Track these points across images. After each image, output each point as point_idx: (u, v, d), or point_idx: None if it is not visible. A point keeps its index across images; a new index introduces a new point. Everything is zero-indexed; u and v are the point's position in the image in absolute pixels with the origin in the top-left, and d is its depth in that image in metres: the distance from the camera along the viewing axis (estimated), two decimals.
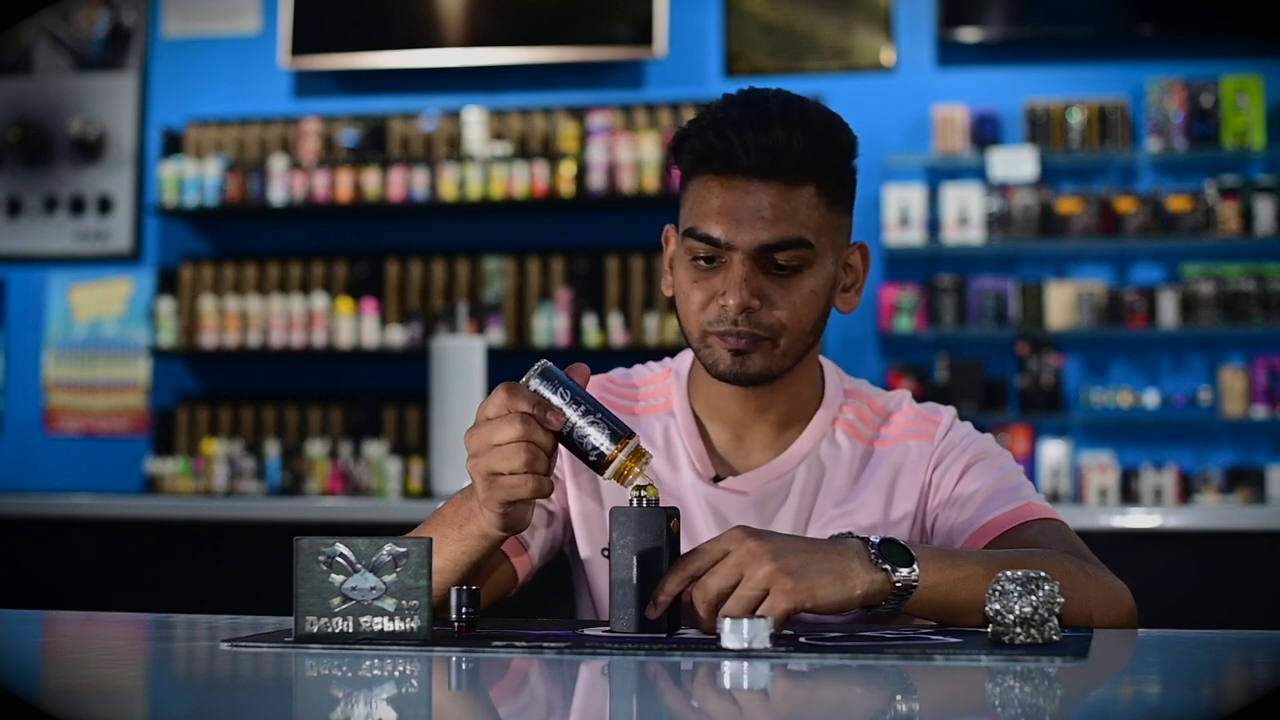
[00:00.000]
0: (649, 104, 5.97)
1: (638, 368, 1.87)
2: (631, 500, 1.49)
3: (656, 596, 1.45)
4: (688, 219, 1.70)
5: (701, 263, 1.68)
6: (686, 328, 1.72)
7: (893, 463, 1.76)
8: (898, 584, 1.46)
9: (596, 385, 1.81)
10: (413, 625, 1.42)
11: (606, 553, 1.48)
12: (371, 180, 5.95)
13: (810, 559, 1.44)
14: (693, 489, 1.75)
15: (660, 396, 1.83)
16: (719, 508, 1.74)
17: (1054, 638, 1.37)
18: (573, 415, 1.48)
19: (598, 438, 1.48)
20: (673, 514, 1.49)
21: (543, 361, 1.52)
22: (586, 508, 1.78)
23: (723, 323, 1.66)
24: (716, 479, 1.76)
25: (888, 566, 1.46)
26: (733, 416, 1.77)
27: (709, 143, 1.65)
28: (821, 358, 1.83)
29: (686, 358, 1.83)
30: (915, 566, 1.47)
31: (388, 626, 1.41)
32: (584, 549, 1.78)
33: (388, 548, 1.42)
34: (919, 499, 1.75)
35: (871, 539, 1.48)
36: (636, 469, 1.48)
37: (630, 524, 1.48)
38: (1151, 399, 5.64)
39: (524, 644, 1.40)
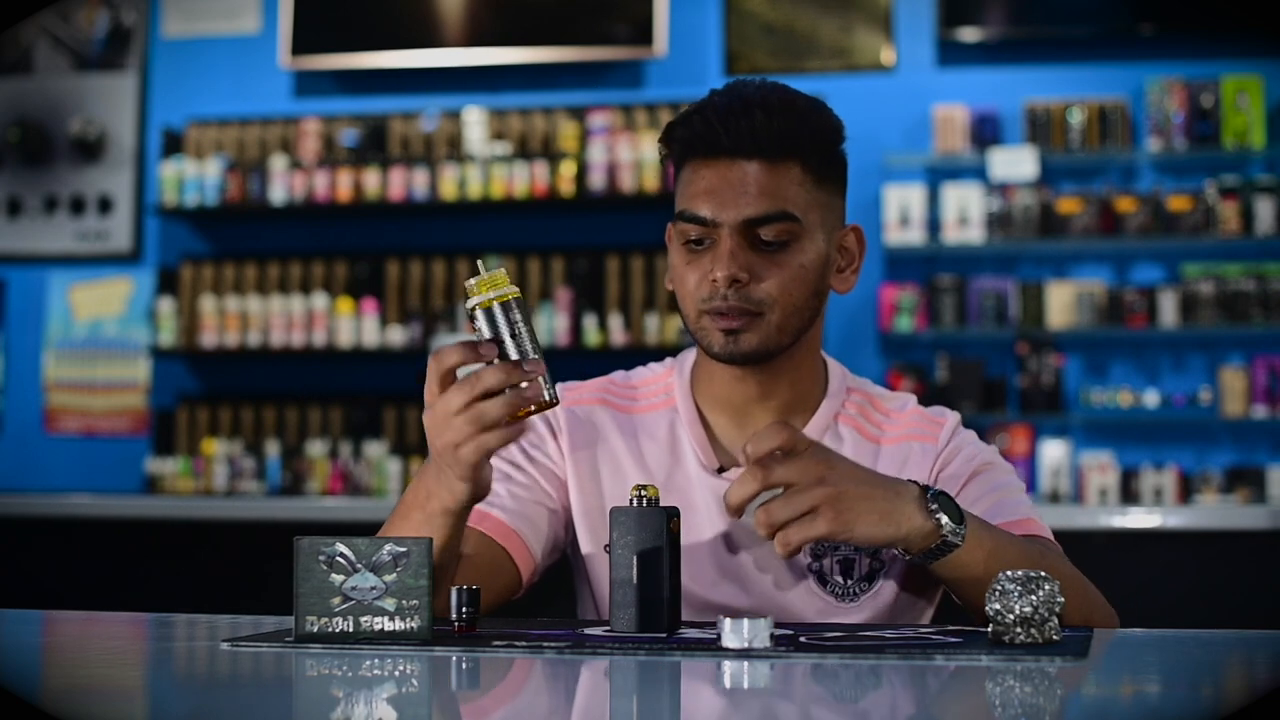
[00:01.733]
0: (649, 104, 5.97)
1: (638, 369, 1.89)
2: (632, 500, 1.49)
3: (731, 502, 1.49)
4: (678, 204, 1.75)
5: (693, 245, 1.72)
6: (684, 311, 1.75)
7: (896, 462, 1.77)
8: (945, 534, 1.50)
9: (598, 387, 1.85)
10: (413, 625, 1.42)
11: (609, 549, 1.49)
12: (371, 180, 5.95)
13: (866, 493, 1.48)
14: (697, 480, 1.77)
15: (662, 394, 1.85)
16: (725, 500, 1.75)
17: (1054, 638, 1.37)
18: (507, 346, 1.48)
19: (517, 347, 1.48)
20: (673, 513, 1.50)
21: (487, 298, 1.49)
22: (588, 504, 1.79)
23: (714, 299, 1.69)
24: (721, 470, 1.77)
25: (941, 517, 1.49)
26: (735, 404, 1.79)
27: (694, 129, 1.71)
28: (826, 355, 1.84)
29: (690, 354, 1.85)
30: (962, 528, 1.52)
31: (388, 626, 1.41)
32: (586, 545, 1.79)
33: (388, 547, 1.42)
34: None
35: (929, 487, 1.52)
36: (490, 292, 1.48)
37: (630, 523, 1.48)
38: (1151, 399, 5.64)
39: (524, 644, 1.40)
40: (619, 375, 1.89)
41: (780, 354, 1.73)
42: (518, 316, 1.47)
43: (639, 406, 1.84)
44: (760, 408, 1.78)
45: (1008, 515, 1.70)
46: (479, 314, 1.47)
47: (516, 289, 1.48)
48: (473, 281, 1.48)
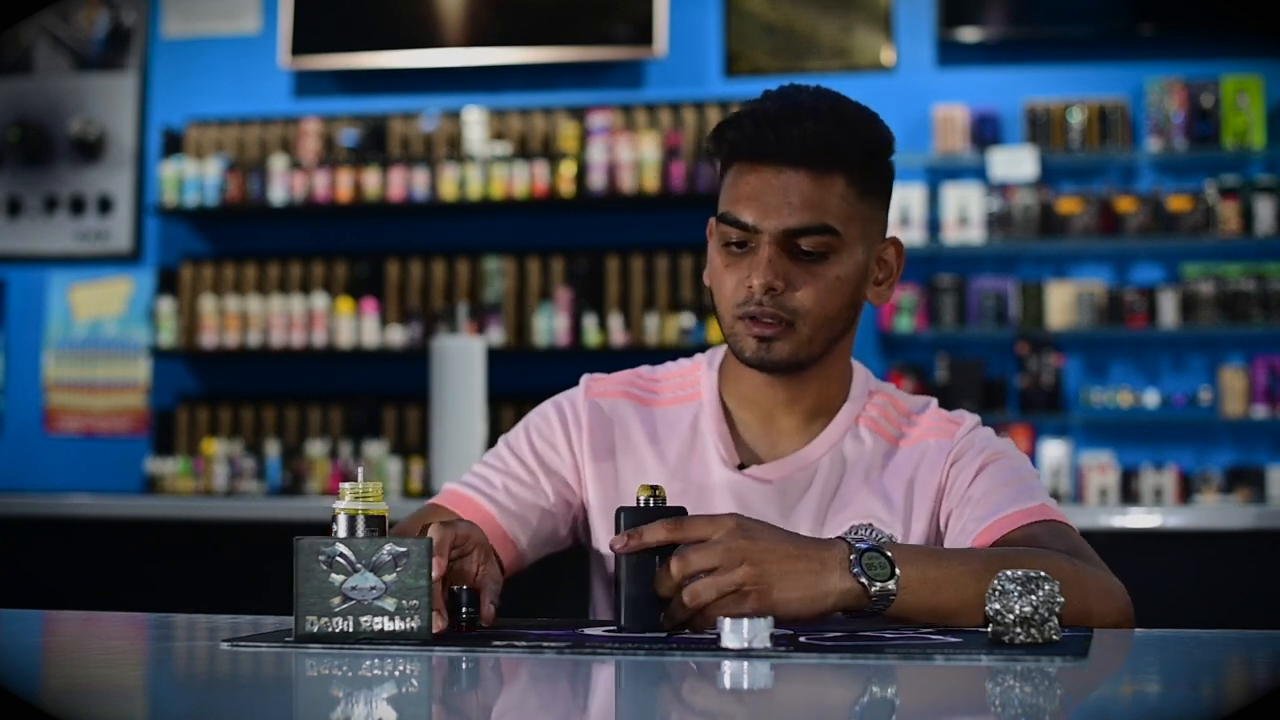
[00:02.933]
0: (649, 104, 5.97)
1: (668, 364, 1.92)
2: (640, 500, 1.49)
3: (630, 540, 1.45)
4: (722, 206, 1.75)
5: (733, 248, 1.73)
6: (720, 312, 1.76)
7: (913, 460, 1.79)
8: (874, 596, 1.47)
9: (624, 379, 1.88)
10: (413, 625, 1.42)
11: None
12: (371, 180, 5.95)
13: (789, 568, 1.44)
14: (717, 475, 1.79)
15: (689, 387, 1.87)
16: (743, 495, 1.76)
17: (1054, 638, 1.37)
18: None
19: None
20: (679, 514, 1.50)
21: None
22: (607, 499, 1.81)
23: (749, 304, 1.71)
24: (741, 467, 1.79)
25: (864, 580, 1.46)
26: (762, 407, 1.81)
27: (744, 132, 1.71)
28: (854, 359, 1.85)
29: (720, 350, 1.87)
30: (893, 582, 1.47)
31: (388, 626, 1.41)
32: (603, 541, 1.80)
33: (388, 547, 1.42)
34: (936, 494, 1.77)
35: (858, 546, 1.48)
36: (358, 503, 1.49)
37: (638, 523, 1.48)
38: (1151, 399, 5.64)
39: (524, 644, 1.41)
40: (645, 369, 1.91)
41: (811, 363, 1.75)
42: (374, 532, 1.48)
43: (663, 400, 1.86)
44: (786, 411, 1.80)
45: (1017, 503, 1.70)
46: (342, 518, 1.47)
47: (386, 507, 1.49)
48: (347, 486, 1.48)
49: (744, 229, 1.70)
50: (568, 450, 1.83)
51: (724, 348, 1.86)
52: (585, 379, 1.88)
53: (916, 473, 1.78)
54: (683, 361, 1.91)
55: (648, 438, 1.82)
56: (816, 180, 1.69)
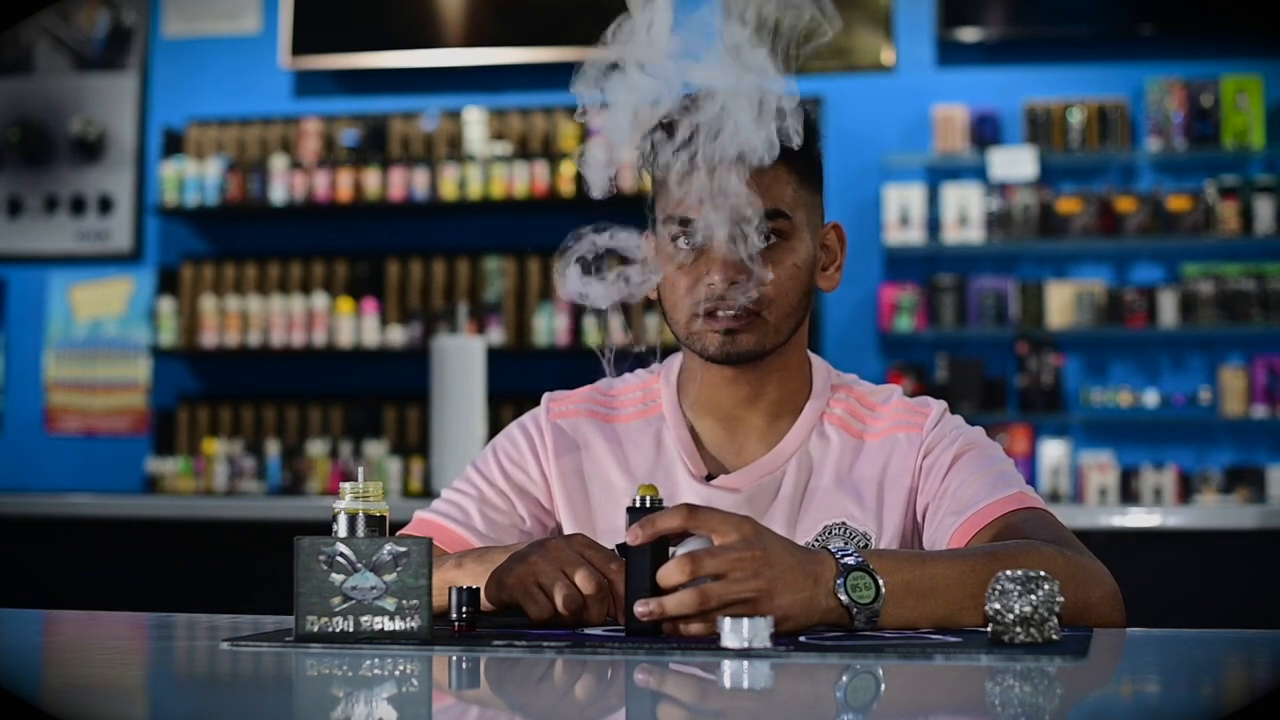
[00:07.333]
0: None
1: (626, 376, 1.89)
2: (640, 500, 1.48)
3: (643, 530, 1.45)
4: (665, 209, 1.74)
5: (683, 249, 1.71)
6: (674, 318, 1.75)
7: (883, 455, 1.77)
8: (857, 616, 1.46)
9: (584, 397, 1.87)
10: (413, 625, 1.42)
11: (618, 551, 1.49)
12: (371, 180, 5.95)
13: (792, 580, 1.43)
14: (686, 488, 1.77)
15: (649, 401, 1.85)
16: (713, 506, 1.74)
17: (1054, 637, 1.37)
18: None
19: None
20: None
21: None
22: (578, 517, 1.81)
23: (710, 300, 1.69)
24: (709, 477, 1.78)
25: (846, 601, 1.45)
26: (724, 409, 1.79)
27: (679, 133, 1.69)
28: (812, 353, 1.84)
29: (674, 361, 1.86)
30: (878, 601, 1.46)
31: (388, 626, 1.42)
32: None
33: (388, 547, 1.42)
34: (909, 489, 1.76)
35: (844, 563, 1.47)
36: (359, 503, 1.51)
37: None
38: (1151, 399, 5.65)
39: (524, 644, 1.41)
40: (604, 384, 1.88)
41: (772, 353, 1.74)
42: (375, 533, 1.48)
43: (624, 415, 1.85)
44: (750, 410, 1.79)
45: (995, 493, 1.70)
46: (342, 518, 1.47)
47: (386, 507, 1.50)
48: (347, 486, 1.49)
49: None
50: (539, 473, 1.82)
51: (677, 359, 1.84)
52: (546, 399, 1.87)
53: (887, 467, 1.77)
54: (640, 373, 1.88)
55: (613, 455, 1.81)
56: (760, 170, 1.67)
